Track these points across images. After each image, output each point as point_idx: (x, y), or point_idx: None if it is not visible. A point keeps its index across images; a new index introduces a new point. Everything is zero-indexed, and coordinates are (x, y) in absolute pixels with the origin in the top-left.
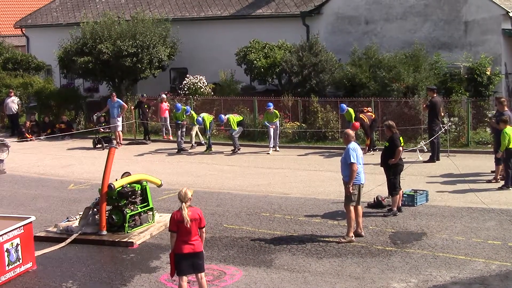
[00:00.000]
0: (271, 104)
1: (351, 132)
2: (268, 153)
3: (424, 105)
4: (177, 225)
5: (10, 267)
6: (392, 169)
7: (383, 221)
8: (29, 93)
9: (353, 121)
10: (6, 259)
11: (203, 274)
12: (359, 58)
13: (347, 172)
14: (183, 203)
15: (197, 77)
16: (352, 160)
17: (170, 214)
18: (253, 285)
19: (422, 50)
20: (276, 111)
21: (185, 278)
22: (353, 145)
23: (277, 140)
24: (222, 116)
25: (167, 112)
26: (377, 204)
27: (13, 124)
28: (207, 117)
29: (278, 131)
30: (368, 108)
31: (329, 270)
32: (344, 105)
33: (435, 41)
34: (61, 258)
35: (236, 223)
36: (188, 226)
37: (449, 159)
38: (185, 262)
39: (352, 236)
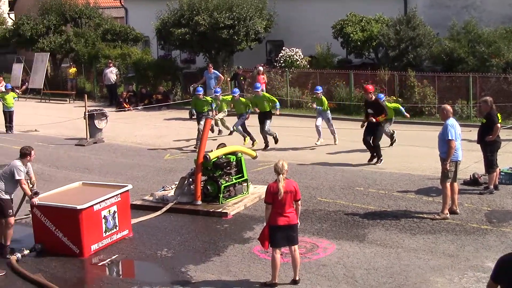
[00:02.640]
0: (319, 88)
1: (449, 107)
2: (316, 144)
3: None
4: (272, 197)
5: (107, 233)
6: (489, 146)
7: (479, 199)
8: (127, 64)
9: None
10: (104, 225)
11: (296, 246)
12: (457, 33)
13: (445, 148)
14: (280, 175)
15: (293, 50)
16: (450, 137)
17: (265, 186)
18: (346, 259)
19: None
20: (324, 98)
21: (278, 250)
22: (452, 121)
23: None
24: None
25: (264, 85)
26: (473, 181)
27: (111, 94)
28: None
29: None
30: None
31: (422, 247)
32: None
33: None
34: (157, 226)
35: (330, 196)
36: (282, 198)
37: None
38: (280, 234)
39: (447, 213)
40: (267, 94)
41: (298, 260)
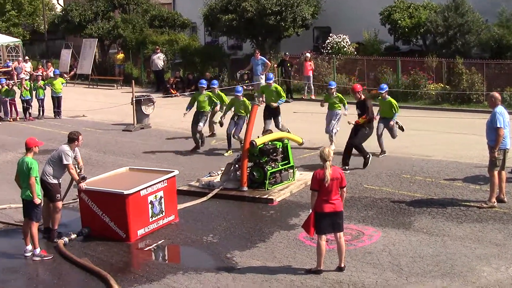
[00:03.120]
0: (333, 83)
1: (498, 95)
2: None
3: None
4: (319, 183)
5: (154, 218)
6: None
7: None
8: (174, 50)
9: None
10: (150, 211)
11: (342, 233)
12: (507, 19)
13: (493, 136)
14: (327, 162)
15: (340, 36)
16: (499, 125)
17: (311, 173)
18: (391, 246)
19: None
20: (339, 95)
21: (324, 237)
22: (500, 109)
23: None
24: (271, 74)
25: (311, 71)
26: None
27: (159, 80)
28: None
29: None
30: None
31: (469, 235)
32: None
33: None
34: (203, 212)
35: (376, 183)
36: (328, 185)
37: None
38: (326, 221)
39: (495, 202)
40: (279, 88)
41: (343, 247)
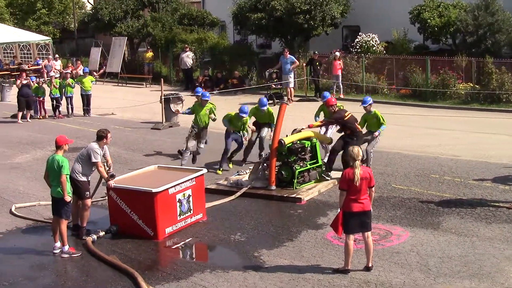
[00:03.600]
0: (327, 94)
1: None
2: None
3: None
4: (348, 183)
5: (182, 217)
6: None
7: None
8: (203, 49)
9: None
10: (178, 209)
11: (370, 233)
12: None
13: None
14: (356, 161)
15: (369, 35)
16: None
17: (339, 172)
18: (420, 246)
19: None
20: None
21: (352, 237)
22: None
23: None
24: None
25: (339, 70)
26: None
27: (187, 78)
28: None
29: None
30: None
31: (498, 236)
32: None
33: None
34: (231, 210)
35: (404, 183)
36: (358, 184)
37: None
38: (354, 221)
39: None
40: (271, 111)
41: (371, 247)
